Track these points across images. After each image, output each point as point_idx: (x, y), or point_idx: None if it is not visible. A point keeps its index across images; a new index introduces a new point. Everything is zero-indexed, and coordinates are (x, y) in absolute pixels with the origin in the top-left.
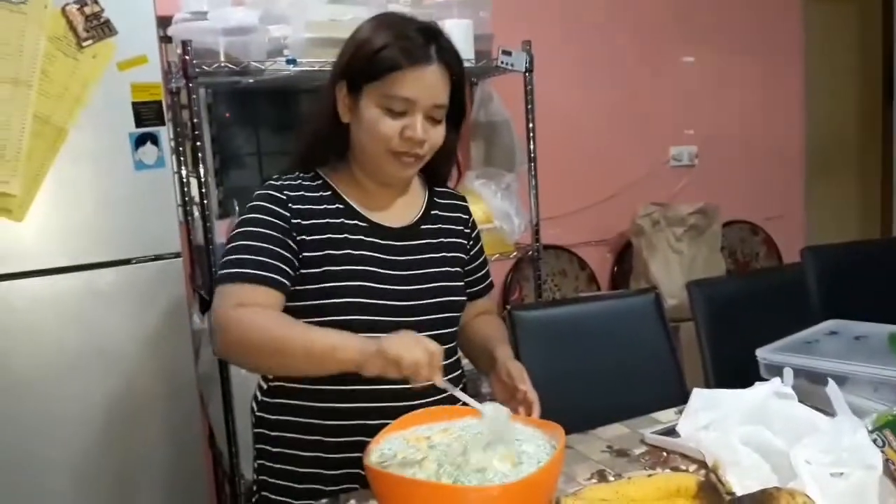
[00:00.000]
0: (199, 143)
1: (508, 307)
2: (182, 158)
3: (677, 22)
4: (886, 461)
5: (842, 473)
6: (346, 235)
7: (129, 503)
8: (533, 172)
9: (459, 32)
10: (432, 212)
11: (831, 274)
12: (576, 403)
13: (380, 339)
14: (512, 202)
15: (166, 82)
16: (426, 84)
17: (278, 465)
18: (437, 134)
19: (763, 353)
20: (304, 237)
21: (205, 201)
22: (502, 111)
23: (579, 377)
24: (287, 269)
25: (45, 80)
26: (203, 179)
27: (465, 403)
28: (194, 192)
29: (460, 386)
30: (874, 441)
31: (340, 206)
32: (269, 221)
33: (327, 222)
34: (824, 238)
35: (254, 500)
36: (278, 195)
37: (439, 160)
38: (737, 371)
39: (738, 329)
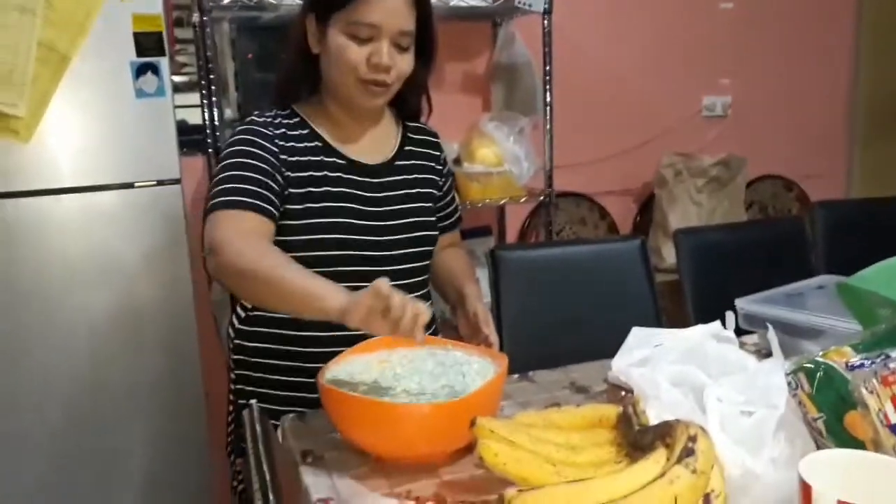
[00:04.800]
0: (212, 77)
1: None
2: (203, 91)
3: None
4: (799, 404)
5: (751, 413)
6: (325, 173)
7: (127, 410)
8: (548, 117)
9: None
10: (406, 148)
11: (841, 230)
12: (551, 342)
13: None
14: (523, 146)
15: (187, 17)
16: (390, 9)
17: (259, 390)
18: (405, 62)
19: (742, 303)
20: (289, 173)
21: (217, 134)
22: (525, 53)
23: (558, 318)
24: (276, 199)
25: (49, 8)
26: (220, 112)
27: None
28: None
29: (430, 332)
30: (789, 383)
31: (319, 144)
32: (259, 154)
33: (308, 160)
34: None
35: (229, 419)
36: (264, 130)
37: (408, 93)
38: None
39: (726, 280)
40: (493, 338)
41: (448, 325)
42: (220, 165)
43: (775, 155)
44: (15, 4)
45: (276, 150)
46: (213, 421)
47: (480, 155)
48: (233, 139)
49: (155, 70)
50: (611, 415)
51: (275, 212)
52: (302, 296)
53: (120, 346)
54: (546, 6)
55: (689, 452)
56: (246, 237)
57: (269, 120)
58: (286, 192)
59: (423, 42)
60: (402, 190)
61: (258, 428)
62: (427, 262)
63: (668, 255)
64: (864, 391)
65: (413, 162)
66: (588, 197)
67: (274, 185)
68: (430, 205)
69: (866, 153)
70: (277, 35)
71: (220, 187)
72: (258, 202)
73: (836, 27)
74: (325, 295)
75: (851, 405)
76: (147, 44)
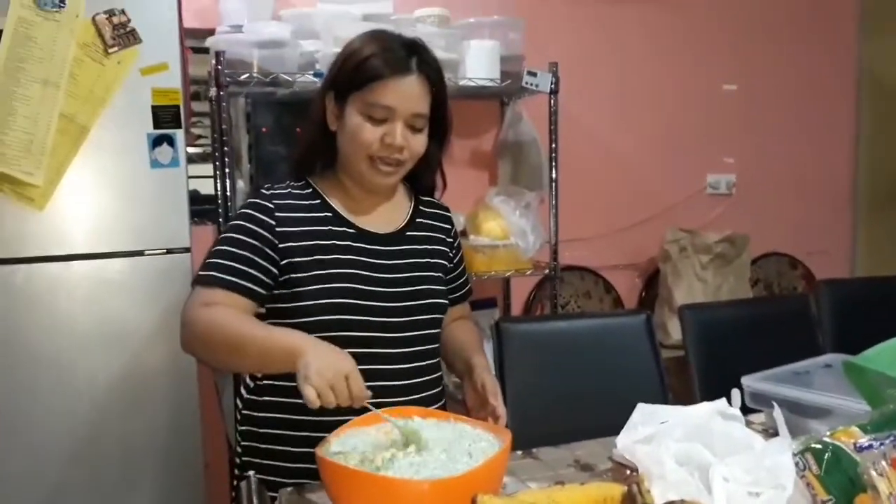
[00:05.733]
0: (226, 149)
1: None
2: (217, 163)
3: (720, 50)
4: (807, 485)
5: (759, 493)
6: (334, 241)
7: (127, 478)
8: (554, 192)
9: (485, 53)
10: (417, 219)
11: (846, 308)
12: (556, 418)
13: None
14: (529, 220)
15: (205, 91)
16: (406, 93)
17: (267, 462)
18: (418, 142)
19: (748, 381)
20: (290, 243)
21: (228, 204)
22: (531, 131)
23: (562, 393)
24: (262, 276)
25: (72, 82)
26: (232, 183)
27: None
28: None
29: (439, 404)
30: (797, 464)
31: (329, 214)
32: (251, 230)
33: (315, 229)
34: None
35: (233, 494)
36: (266, 204)
37: (422, 170)
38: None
39: (732, 357)
40: (501, 409)
41: (452, 399)
42: (217, 238)
43: (780, 232)
44: (38, 77)
45: (273, 222)
46: (211, 493)
47: (486, 228)
48: (235, 213)
49: (171, 141)
50: (615, 494)
51: (255, 289)
52: (263, 342)
53: (122, 414)
54: (552, 86)
55: None
56: (215, 309)
57: (275, 192)
58: (284, 263)
59: (438, 123)
60: (411, 259)
61: (255, 501)
62: (437, 331)
63: (674, 330)
64: (873, 473)
65: (424, 233)
66: (593, 271)
67: (262, 260)
68: (439, 275)
69: (870, 230)
70: (292, 110)
71: (207, 261)
72: (235, 279)
73: (838, 106)
74: (285, 332)
75: (861, 488)
76: (164, 116)
